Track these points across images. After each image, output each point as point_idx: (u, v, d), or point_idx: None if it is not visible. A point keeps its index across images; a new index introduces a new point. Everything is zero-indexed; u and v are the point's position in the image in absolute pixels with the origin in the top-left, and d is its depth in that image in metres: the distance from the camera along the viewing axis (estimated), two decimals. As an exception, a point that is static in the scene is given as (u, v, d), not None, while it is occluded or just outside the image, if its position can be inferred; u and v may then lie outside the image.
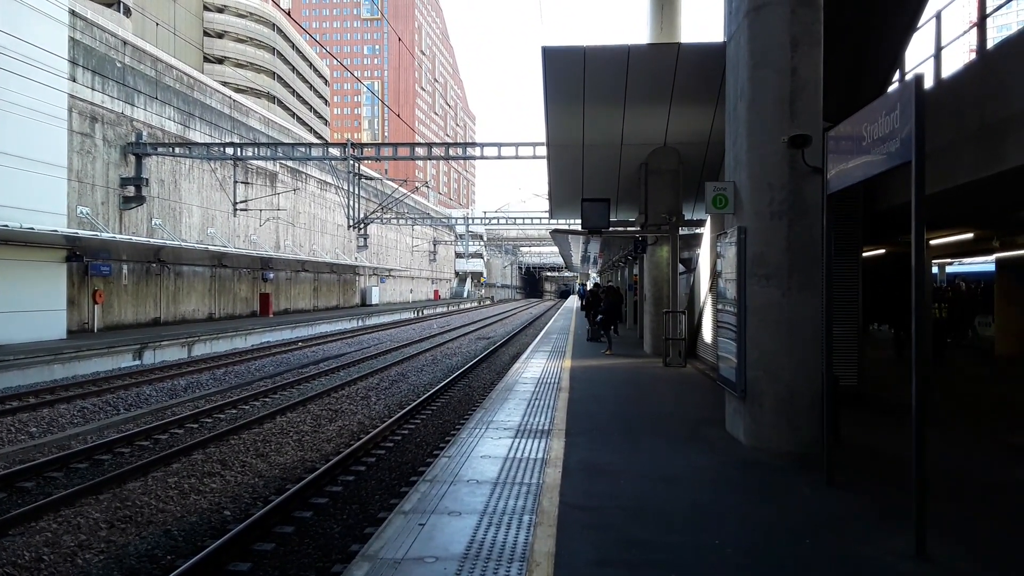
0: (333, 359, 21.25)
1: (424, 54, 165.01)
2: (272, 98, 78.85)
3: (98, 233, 21.96)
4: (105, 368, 18.28)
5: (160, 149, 27.03)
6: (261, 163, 36.31)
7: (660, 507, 5.16)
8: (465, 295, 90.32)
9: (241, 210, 32.96)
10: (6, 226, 17.22)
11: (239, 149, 29.01)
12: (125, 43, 26.00)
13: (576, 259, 46.80)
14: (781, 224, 6.79)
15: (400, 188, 50.76)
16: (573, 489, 5.55)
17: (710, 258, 13.87)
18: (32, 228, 17.77)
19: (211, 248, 28.79)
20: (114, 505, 7.36)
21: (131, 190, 26.06)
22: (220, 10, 75.64)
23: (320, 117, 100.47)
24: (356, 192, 31.46)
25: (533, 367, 13.89)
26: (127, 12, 50.11)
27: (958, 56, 9.98)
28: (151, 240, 24.65)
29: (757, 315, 6.90)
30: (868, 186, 7.90)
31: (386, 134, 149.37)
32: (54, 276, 21.03)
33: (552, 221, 41.86)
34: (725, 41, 8.12)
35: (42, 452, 9.75)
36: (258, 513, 6.73)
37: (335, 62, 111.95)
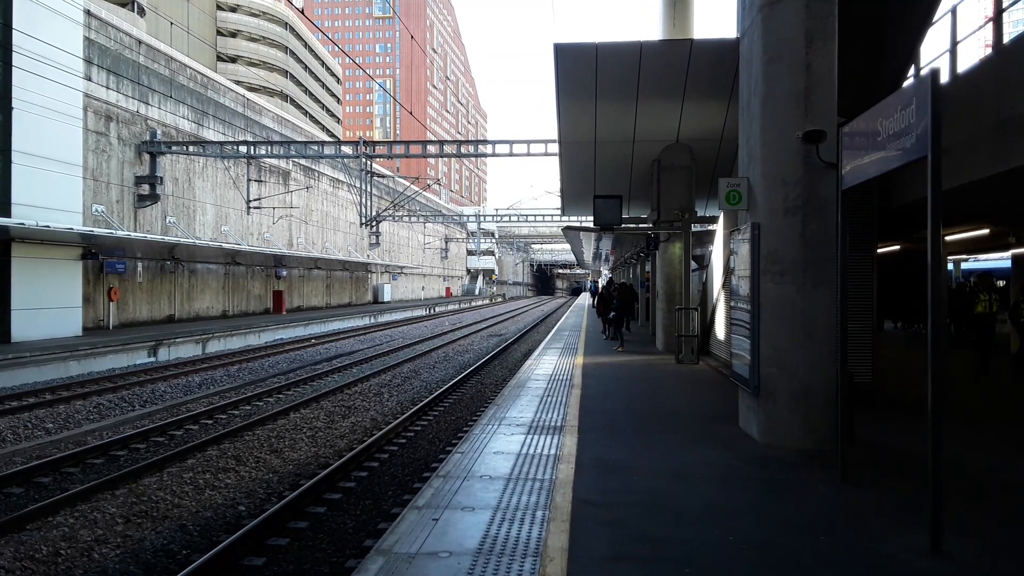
0: (346, 356, 21.34)
1: (436, 52, 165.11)
2: (285, 96, 79.21)
3: (113, 231, 22.14)
4: (120, 365, 18.45)
5: (174, 148, 27.22)
6: (274, 161, 36.51)
7: (673, 503, 5.15)
8: (477, 292, 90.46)
9: (254, 208, 33.17)
10: (23, 224, 17.40)
11: (252, 147, 29.22)
12: (139, 42, 26.19)
13: (588, 256, 46.72)
14: (795, 220, 6.75)
15: (412, 186, 50.84)
16: (586, 485, 5.56)
17: (723, 255, 13.82)
18: (48, 226, 17.94)
19: (225, 246, 28.94)
20: (130, 500, 7.42)
21: (145, 188, 26.27)
22: (233, 9, 76.08)
23: (332, 115, 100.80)
24: (368, 190, 31.59)
25: (545, 364, 13.89)
26: (141, 12, 50.51)
27: (974, 51, 9.89)
28: (165, 238, 24.86)
29: (771, 312, 6.87)
30: (883, 182, 7.85)
31: (398, 132, 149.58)
32: (70, 274, 21.24)
33: (564, 218, 41.87)
34: (738, 36, 8.08)
35: (59, 448, 9.85)
36: (272, 508, 6.77)
37: (347, 60, 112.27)
